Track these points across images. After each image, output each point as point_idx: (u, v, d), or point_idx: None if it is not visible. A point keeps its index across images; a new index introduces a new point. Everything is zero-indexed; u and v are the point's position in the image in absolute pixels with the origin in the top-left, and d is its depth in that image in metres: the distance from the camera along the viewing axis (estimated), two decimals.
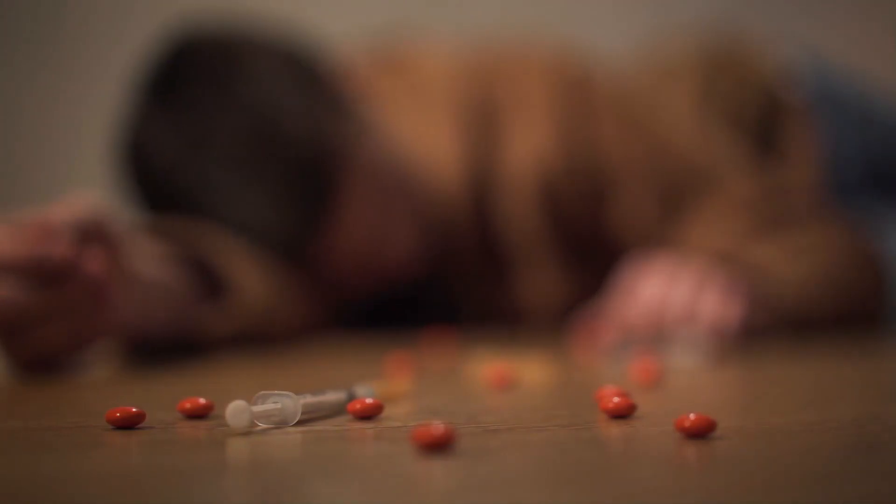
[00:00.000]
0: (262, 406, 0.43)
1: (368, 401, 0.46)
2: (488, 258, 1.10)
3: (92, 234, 0.68)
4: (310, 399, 0.45)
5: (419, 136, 1.09)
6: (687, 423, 0.40)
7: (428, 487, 0.33)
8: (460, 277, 1.10)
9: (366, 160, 0.98)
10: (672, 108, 1.16)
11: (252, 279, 0.88)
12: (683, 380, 0.67)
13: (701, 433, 0.40)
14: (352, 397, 0.48)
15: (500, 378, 0.60)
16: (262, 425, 0.43)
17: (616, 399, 0.45)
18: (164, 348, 0.79)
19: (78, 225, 0.67)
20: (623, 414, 0.45)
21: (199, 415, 0.46)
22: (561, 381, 0.66)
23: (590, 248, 1.09)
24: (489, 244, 1.09)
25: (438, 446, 0.37)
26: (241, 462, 0.38)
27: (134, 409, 0.44)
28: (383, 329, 1.05)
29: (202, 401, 0.47)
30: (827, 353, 0.84)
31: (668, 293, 0.87)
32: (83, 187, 0.93)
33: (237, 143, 0.94)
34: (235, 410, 0.41)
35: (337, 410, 0.47)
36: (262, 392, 0.44)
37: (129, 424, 0.44)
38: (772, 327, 0.92)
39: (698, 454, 0.38)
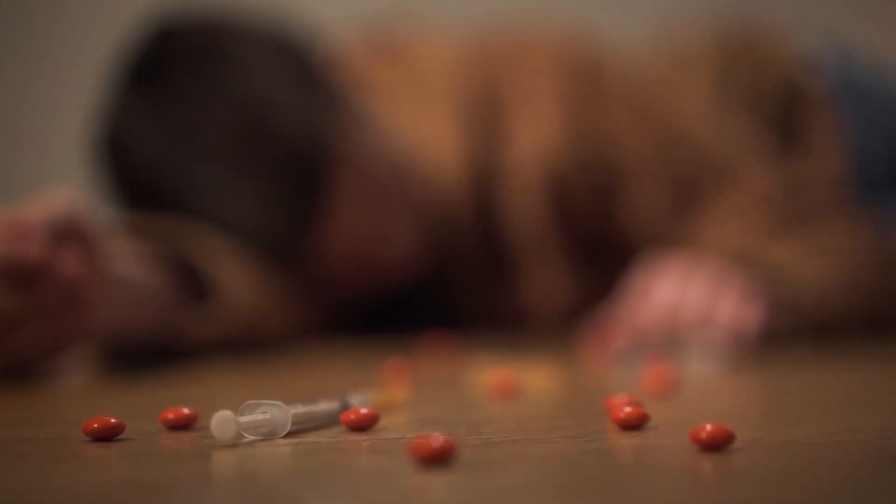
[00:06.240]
0: (249, 416, 0.43)
1: (363, 410, 0.46)
2: (491, 258, 1.10)
3: (68, 233, 0.68)
4: (301, 409, 0.45)
5: (418, 129, 1.09)
6: (703, 435, 0.40)
7: (426, 503, 0.33)
8: (461, 278, 1.10)
9: (360, 155, 0.98)
10: (687, 98, 1.16)
11: (239, 281, 0.88)
12: (699, 388, 0.67)
13: (718, 445, 0.40)
14: (345, 407, 0.48)
15: (502, 386, 0.60)
16: (249, 437, 0.43)
17: (627, 408, 0.45)
18: (145, 354, 0.79)
19: (53, 224, 0.67)
20: (634, 424, 0.45)
21: (182, 425, 0.46)
22: (568, 389, 0.66)
23: (599, 246, 1.09)
24: (492, 243, 1.09)
25: (438, 459, 0.37)
26: (227, 476, 0.38)
27: (113, 420, 0.44)
28: (379, 333, 1.05)
29: (186, 410, 0.47)
30: (850, 359, 0.84)
31: (683, 295, 0.87)
32: (59, 184, 0.93)
33: (223, 136, 0.94)
34: (221, 421, 0.41)
35: (329, 421, 0.47)
36: (250, 401, 0.44)
37: (107, 436, 0.44)
38: (792, 331, 0.92)
39: (715, 467, 0.38)
